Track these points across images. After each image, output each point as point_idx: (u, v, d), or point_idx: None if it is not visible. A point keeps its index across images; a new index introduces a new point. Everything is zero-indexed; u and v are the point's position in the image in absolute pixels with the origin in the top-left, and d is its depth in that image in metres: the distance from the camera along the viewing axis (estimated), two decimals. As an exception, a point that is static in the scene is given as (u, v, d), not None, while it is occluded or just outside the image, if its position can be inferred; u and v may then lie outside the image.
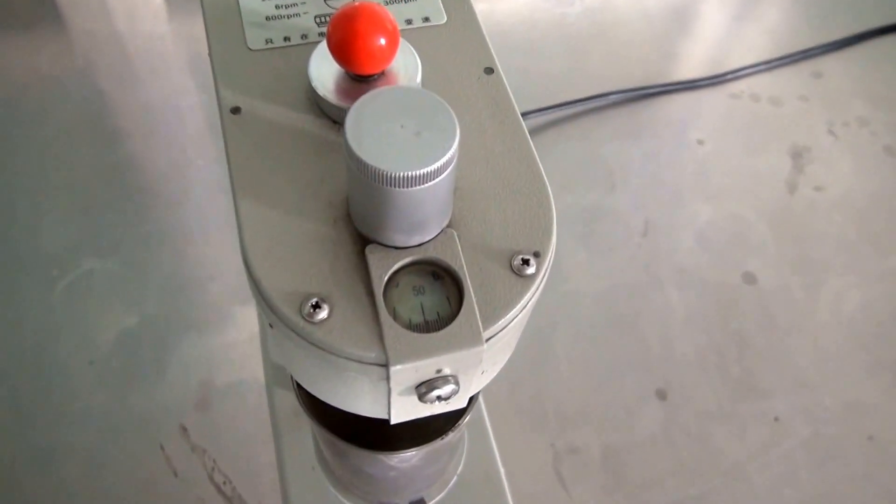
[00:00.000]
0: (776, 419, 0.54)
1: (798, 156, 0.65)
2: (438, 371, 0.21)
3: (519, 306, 0.21)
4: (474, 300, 0.21)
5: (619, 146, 0.65)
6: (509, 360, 0.46)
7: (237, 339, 0.56)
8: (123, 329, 0.56)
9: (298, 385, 0.32)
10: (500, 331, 0.21)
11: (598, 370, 0.55)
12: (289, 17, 0.25)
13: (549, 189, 0.23)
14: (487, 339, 0.21)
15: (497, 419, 0.51)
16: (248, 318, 0.57)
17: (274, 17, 0.25)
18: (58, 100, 0.66)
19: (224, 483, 0.51)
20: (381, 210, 0.20)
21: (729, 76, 0.68)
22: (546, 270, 0.22)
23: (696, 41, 0.73)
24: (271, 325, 0.22)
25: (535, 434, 0.53)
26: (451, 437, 0.32)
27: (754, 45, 0.72)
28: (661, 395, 0.55)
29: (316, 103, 0.23)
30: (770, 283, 0.59)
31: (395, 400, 0.23)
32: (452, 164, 0.19)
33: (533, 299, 0.22)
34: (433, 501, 0.40)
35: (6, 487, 0.49)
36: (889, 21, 0.74)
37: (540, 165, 0.23)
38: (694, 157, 0.65)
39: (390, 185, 0.19)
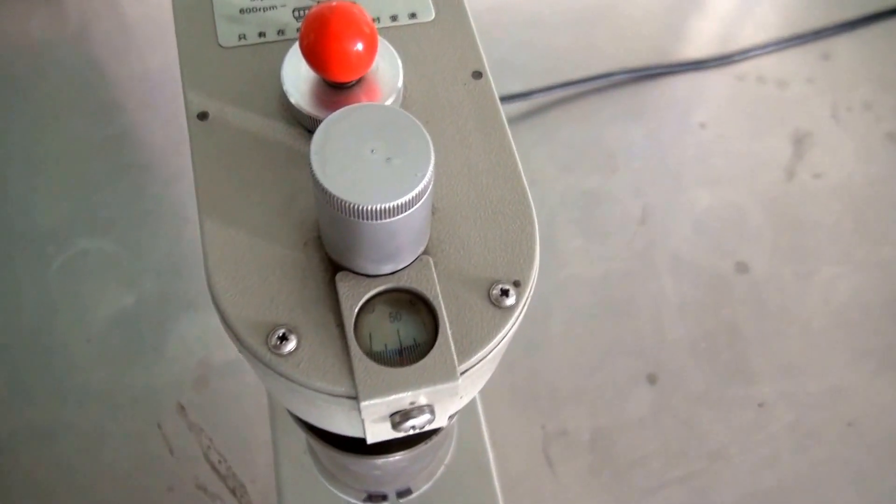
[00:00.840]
0: (761, 405, 0.52)
1: (799, 141, 0.62)
2: (412, 402, 0.19)
3: (496, 340, 0.19)
4: (449, 333, 0.19)
5: (621, 128, 0.62)
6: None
7: (235, 317, 0.54)
8: (121, 307, 0.54)
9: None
10: (477, 364, 0.19)
11: (591, 354, 0.53)
12: (265, 9, 0.23)
13: (534, 212, 0.20)
14: (463, 373, 0.19)
15: (489, 400, 0.50)
16: (245, 296, 0.54)
17: (249, 10, 0.23)
18: (50, 68, 0.63)
19: (219, 462, 0.49)
20: (350, 240, 0.18)
21: (736, 57, 0.65)
22: (526, 301, 0.20)
23: (706, 17, 0.69)
24: (239, 351, 0.20)
25: (526, 415, 0.51)
26: (434, 440, 0.30)
27: (765, 23, 0.68)
28: (652, 379, 0.53)
29: (289, 110, 0.21)
30: (763, 271, 0.57)
31: (370, 426, 0.21)
32: (426, 194, 0.17)
33: (512, 331, 0.20)
34: (421, 490, 0.38)
35: (5, 463, 0.48)
36: None
37: (525, 185, 0.21)
38: (695, 141, 0.62)
39: (358, 218, 0.16)
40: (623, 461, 0.50)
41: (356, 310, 0.19)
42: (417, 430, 0.21)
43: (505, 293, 0.19)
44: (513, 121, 0.62)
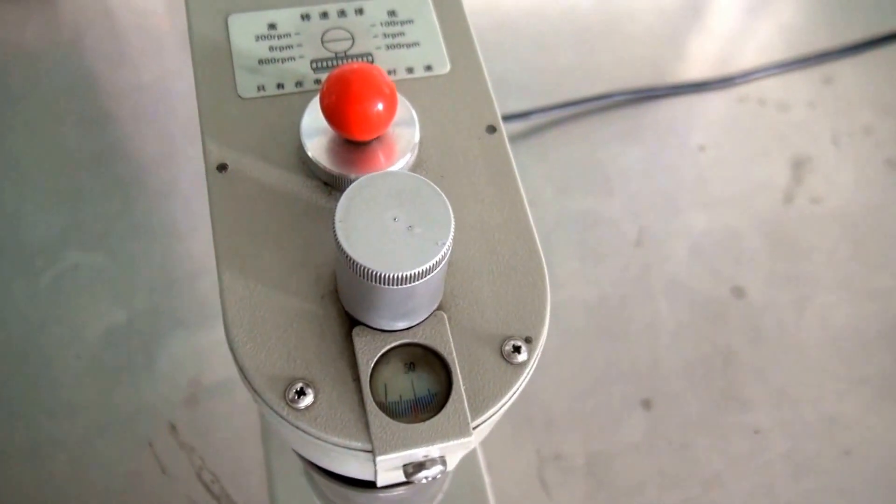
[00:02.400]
0: (756, 432, 0.54)
1: (799, 166, 0.64)
2: (426, 455, 0.20)
3: (507, 395, 0.20)
4: (463, 390, 0.20)
5: (620, 149, 0.63)
6: None
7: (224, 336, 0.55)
8: (111, 324, 0.54)
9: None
10: (489, 419, 0.20)
11: (586, 378, 0.55)
12: (283, 60, 0.24)
13: (545, 268, 0.21)
14: (475, 427, 0.20)
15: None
16: (238, 314, 0.55)
17: (267, 61, 0.24)
18: (43, 77, 0.64)
19: (212, 482, 0.50)
20: (369, 300, 0.19)
21: (738, 79, 0.66)
22: (536, 357, 0.21)
23: (708, 38, 0.71)
24: (255, 401, 0.21)
25: (521, 439, 0.52)
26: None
27: (768, 45, 0.70)
28: (647, 405, 0.54)
29: (306, 164, 0.22)
30: (759, 297, 0.59)
31: (382, 474, 0.22)
32: (445, 260, 0.18)
33: (522, 386, 0.21)
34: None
35: (-8, 482, 0.49)
36: None
37: (537, 241, 0.22)
38: (694, 164, 0.63)
39: (381, 283, 0.17)
40: (618, 487, 0.51)
41: (372, 364, 0.20)
42: (430, 479, 0.22)
43: (517, 350, 0.21)
44: (511, 140, 0.64)
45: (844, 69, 0.69)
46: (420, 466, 0.21)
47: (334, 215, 0.18)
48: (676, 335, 0.57)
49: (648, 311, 0.57)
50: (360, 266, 0.17)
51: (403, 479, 0.24)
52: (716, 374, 0.55)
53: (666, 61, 0.68)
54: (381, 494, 0.33)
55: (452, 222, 0.18)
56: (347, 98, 0.20)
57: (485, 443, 0.49)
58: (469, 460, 0.47)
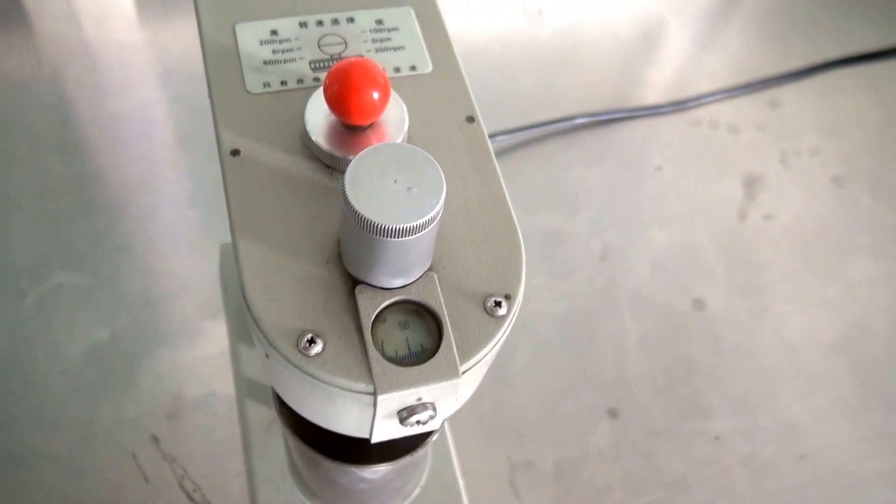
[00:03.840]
0: (717, 438, 0.57)
1: (751, 184, 0.69)
2: (419, 399, 0.23)
3: (491, 344, 0.24)
4: (452, 338, 0.23)
5: (582, 170, 0.68)
6: None
7: (207, 352, 0.57)
8: (94, 342, 0.57)
9: (278, 401, 0.34)
10: (475, 365, 0.24)
11: (555, 388, 0.58)
12: (285, 61, 0.27)
13: (520, 237, 0.25)
14: (463, 372, 0.23)
15: (458, 432, 0.54)
16: (218, 333, 0.58)
17: (271, 62, 0.27)
18: (24, 107, 0.67)
19: (194, 490, 0.52)
20: (371, 256, 0.22)
21: (690, 103, 0.72)
22: (515, 311, 0.24)
23: (662, 66, 0.76)
24: (268, 356, 0.24)
25: (492, 447, 0.55)
26: (419, 453, 0.34)
27: (717, 72, 0.76)
28: (613, 413, 0.58)
29: (310, 148, 0.25)
30: (718, 309, 0.63)
31: (378, 423, 0.25)
32: (439, 217, 0.21)
33: (504, 337, 0.24)
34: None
35: (-24, 494, 0.50)
36: (847, 52, 0.79)
37: (513, 213, 0.26)
38: (653, 183, 0.68)
39: (383, 236, 0.21)
40: (586, 491, 0.54)
41: (373, 317, 0.23)
42: (421, 426, 0.25)
43: (498, 304, 0.24)
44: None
45: (789, 94, 0.75)
46: (413, 411, 0.24)
47: (343, 180, 0.21)
48: (640, 346, 0.60)
49: (613, 324, 0.61)
50: (368, 221, 0.21)
51: (396, 432, 0.27)
52: (678, 384, 0.59)
53: (623, 87, 0.73)
54: (367, 473, 0.35)
55: (444, 184, 0.21)
56: (349, 86, 0.23)
57: (458, 450, 0.52)
58: (444, 463, 0.50)
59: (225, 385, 0.56)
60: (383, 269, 0.23)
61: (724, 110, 0.73)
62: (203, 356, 0.57)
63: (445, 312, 0.23)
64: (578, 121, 0.69)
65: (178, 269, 0.60)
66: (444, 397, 0.24)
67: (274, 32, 0.28)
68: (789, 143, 0.72)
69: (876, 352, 0.62)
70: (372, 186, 0.21)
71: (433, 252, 0.24)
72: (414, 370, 0.23)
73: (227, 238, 0.57)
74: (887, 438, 0.58)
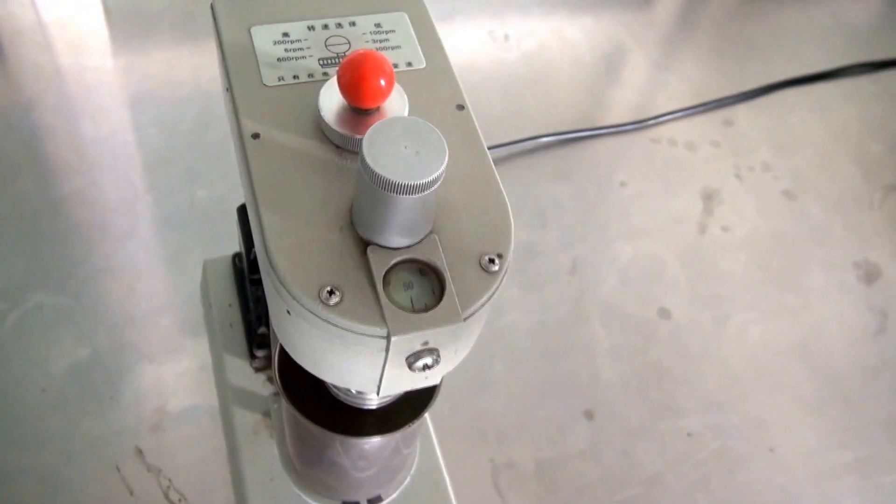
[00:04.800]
0: (689, 434, 0.62)
1: (708, 198, 0.75)
2: (425, 343, 0.28)
3: (487, 295, 0.28)
4: (454, 290, 0.27)
5: (550, 187, 0.73)
6: (453, 385, 0.52)
7: (189, 368, 0.60)
8: (75, 360, 0.59)
9: (282, 382, 0.38)
10: (474, 314, 0.28)
11: (532, 394, 0.62)
12: (296, 59, 0.32)
13: (508, 204, 0.30)
14: (464, 319, 0.28)
15: (442, 437, 0.58)
16: (199, 349, 0.61)
17: (284, 59, 0.32)
18: (3, 133, 0.70)
19: (180, 500, 0.55)
20: (383, 215, 0.26)
21: (650, 122, 0.78)
22: (507, 268, 0.29)
23: (622, 87, 0.83)
24: (289, 312, 0.28)
25: (475, 450, 0.59)
26: (415, 425, 0.38)
27: (674, 93, 0.83)
28: (589, 415, 0.62)
29: (322, 131, 0.30)
30: (683, 317, 0.68)
31: (388, 371, 0.29)
32: (442, 177, 0.26)
33: (498, 291, 0.28)
34: (390, 497, 0.46)
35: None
36: (795, 74, 0.86)
37: (501, 185, 0.30)
38: (617, 198, 0.74)
39: (397, 193, 0.25)
40: (567, 489, 0.58)
41: (384, 272, 0.27)
42: (426, 373, 0.29)
43: (492, 261, 0.28)
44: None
45: (742, 113, 0.82)
46: (419, 356, 0.28)
47: (361, 147, 0.25)
48: (612, 353, 0.65)
49: (585, 333, 0.66)
50: (384, 179, 0.25)
51: (401, 386, 0.31)
52: (650, 386, 0.64)
53: (586, 108, 0.80)
54: (366, 445, 0.39)
55: (447, 149, 0.26)
56: (361, 73, 0.28)
57: (444, 452, 0.55)
58: (431, 458, 0.53)
59: (208, 397, 0.59)
60: (393, 229, 0.27)
61: (682, 128, 0.80)
62: (185, 371, 0.60)
63: (447, 268, 0.28)
64: (545, 140, 0.74)
65: (158, 288, 0.63)
66: (447, 344, 0.28)
67: (285, 34, 0.32)
68: (743, 159, 0.79)
69: (831, 354, 0.68)
70: (386, 151, 0.25)
71: (434, 217, 0.28)
72: (422, 315, 0.27)
73: (209, 255, 0.61)
74: (847, 431, 0.63)
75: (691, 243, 0.72)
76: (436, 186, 0.26)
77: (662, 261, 0.71)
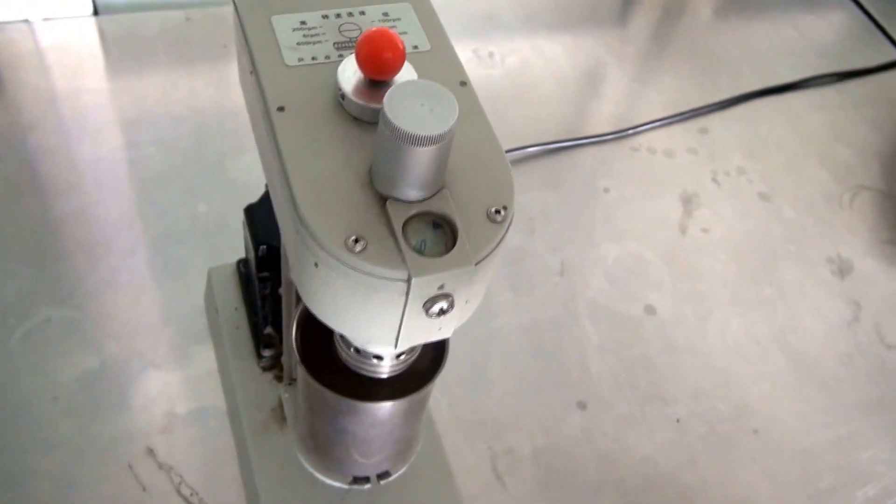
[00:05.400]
0: (678, 421, 0.65)
1: (688, 201, 0.80)
2: (440, 287, 0.31)
3: (495, 242, 0.32)
4: (465, 237, 0.31)
5: (537, 194, 0.78)
6: (451, 382, 0.55)
7: (196, 373, 0.63)
8: (84, 369, 0.62)
9: (301, 355, 0.41)
10: (484, 259, 0.31)
11: (527, 388, 0.66)
12: (314, 43, 0.36)
13: (509, 163, 0.34)
14: (476, 264, 0.31)
15: (443, 429, 0.61)
16: (205, 356, 0.64)
17: (303, 43, 0.36)
18: (6, 154, 0.73)
19: (191, 494, 0.57)
20: (402, 168, 0.30)
21: (630, 131, 0.83)
22: (511, 219, 0.32)
23: (602, 101, 0.88)
24: (316, 265, 0.31)
25: (474, 440, 0.62)
26: (426, 390, 0.41)
27: (652, 104, 0.88)
28: (582, 405, 0.65)
29: (341, 103, 0.34)
30: (668, 313, 0.72)
31: (406, 320, 0.32)
32: (453, 131, 0.30)
33: (504, 240, 0.32)
34: (398, 472, 0.49)
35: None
36: (765, 85, 0.92)
37: (502, 148, 0.34)
38: (601, 203, 0.78)
39: (415, 145, 0.29)
40: (563, 472, 0.62)
41: (402, 223, 0.31)
42: (441, 319, 0.32)
43: (498, 213, 0.32)
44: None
45: (716, 122, 0.87)
46: (435, 300, 0.31)
47: (383, 105, 0.29)
48: (601, 348, 0.69)
49: (575, 330, 0.70)
50: (403, 132, 0.28)
51: (418, 337, 0.34)
52: (638, 378, 0.67)
53: (569, 120, 0.84)
54: (380, 410, 0.42)
55: (457, 107, 0.30)
56: (377, 46, 0.32)
57: (445, 443, 0.58)
58: (434, 441, 0.56)
59: (214, 400, 0.62)
60: (410, 182, 0.31)
61: (660, 137, 0.84)
62: (192, 377, 0.63)
63: (458, 219, 0.31)
64: (531, 150, 0.79)
65: (161, 301, 0.66)
66: (460, 289, 0.32)
67: (303, 22, 0.36)
68: (719, 165, 0.83)
69: (808, 342, 0.72)
70: (404, 108, 0.29)
71: (445, 173, 0.32)
72: (438, 259, 0.30)
73: (213, 263, 0.64)
74: (825, 412, 0.67)
75: (673, 244, 0.76)
76: (448, 139, 0.30)
77: (646, 261, 0.75)
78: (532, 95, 0.86)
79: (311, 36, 0.36)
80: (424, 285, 0.31)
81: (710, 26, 1.00)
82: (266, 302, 0.55)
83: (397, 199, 0.31)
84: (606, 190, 0.79)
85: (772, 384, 0.69)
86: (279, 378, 0.58)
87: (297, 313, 0.42)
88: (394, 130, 0.29)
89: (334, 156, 0.33)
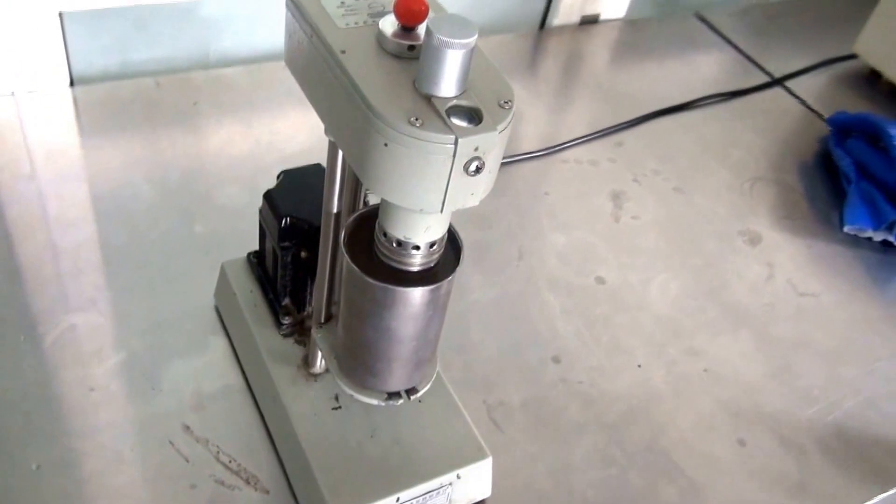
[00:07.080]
0: (639, 366, 0.81)
1: (616, 197, 0.98)
2: (476, 149, 0.47)
3: (508, 120, 0.48)
4: (487, 115, 0.48)
5: (488, 200, 0.92)
6: (442, 347, 0.69)
7: (217, 358, 0.75)
8: (115, 362, 0.73)
9: (350, 243, 0.55)
10: (503, 131, 0.48)
11: (506, 348, 0.81)
12: (353, 14, 0.53)
13: (509, 82, 0.51)
14: (499, 133, 0.47)
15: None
16: (224, 344, 0.76)
17: (346, 14, 0.52)
18: (15, 197, 0.86)
19: (230, 461, 0.69)
20: (441, 69, 0.47)
21: (558, 148, 1.02)
22: (514, 109, 0.49)
23: (531, 126, 1.08)
24: (386, 144, 0.47)
25: (469, 395, 0.76)
26: (450, 279, 0.56)
27: (572, 126, 1.08)
28: (556, 360, 0.81)
29: (382, 46, 0.50)
30: (616, 282, 0.89)
31: (452, 181, 0.48)
32: (476, 41, 0.47)
33: (511, 123, 0.49)
34: (423, 389, 0.62)
35: (35, 490, 0.64)
36: (664, 105, 1.15)
37: (504, 76, 0.51)
38: (544, 204, 0.96)
39: (450, 49, 0.46)
40: (550, 416, 0.76)
41: (445, 108, 0.47)
42: (477, 175, 0.48)
43: (506, 103, 0.49)
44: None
45: (628, 136, 1.08)
46: (472, 161, 0.48)
47: (427, 26, 0.46)
48: (564, 311, 0.85)
49: (539, 300, 0.86)
50: (443, 40, 0.45)
51: (461, 200, 0.50)
52: (599, 333, 0.84)
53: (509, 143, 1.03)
54: (418, 297, 0.57)
55: (476, 28, 0.47)
56: (410, 2, 0.49)
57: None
58: (439, 387, 0.70)
59: (237, 379, 0.74)
60: (446, 80, 0.47)
61: (584, 151, 1.04)
62: (214, 361, 0.75)
63: (481, 106, 0.48)
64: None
65: (178, 302, 0.79)
66: (488, 152, 0.48)
67: (343, 2, 0.53)
68: (637, 169, 1.03)
69: (736, 296, 0.90)
70: (441, 27, 0.46)
71: (468, 77, 0.49)
72: (474, 127, 0.47)
73: (213, 274, 0.77)
74: (759, 351, 0.85)
75: (611, 229, 0.95)
76: (473, 46, 0.47)
77: (590, 244, 0.92)
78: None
79: (350, 10, 0.53)
80: (466, 146, 0.47)
81: (609, 66, 1.23)
82: (287, 270, 0.69)
83: (437, 96, 0.48)
84: (546, 193, 0.98)
85: (712, 331, 0.86)
86: (299, 343, 0.71)
87: (344, 232, 0.57)
88: (437, 41, 0.46)
89: (385, 76, 0.49)
